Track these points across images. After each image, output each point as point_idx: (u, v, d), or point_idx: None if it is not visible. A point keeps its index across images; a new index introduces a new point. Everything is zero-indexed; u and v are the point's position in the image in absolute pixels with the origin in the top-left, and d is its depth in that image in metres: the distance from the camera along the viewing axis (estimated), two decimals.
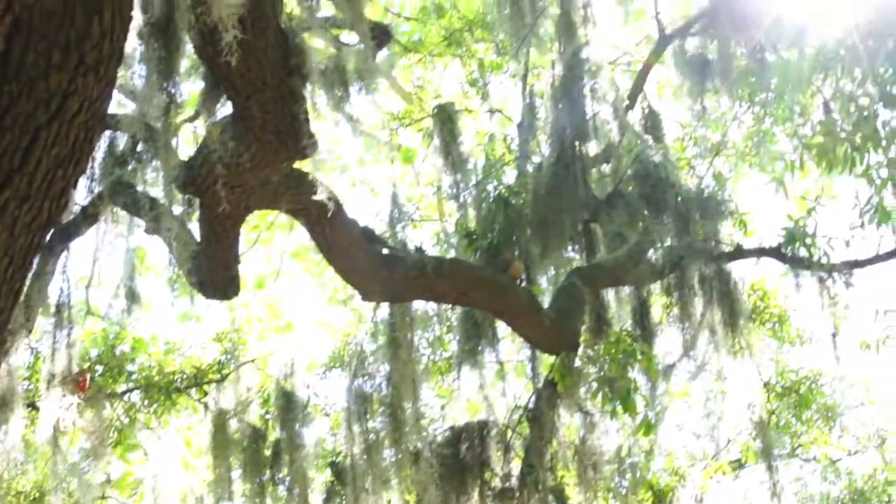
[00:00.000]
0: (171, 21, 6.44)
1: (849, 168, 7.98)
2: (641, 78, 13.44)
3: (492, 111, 16.78)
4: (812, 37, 9.34)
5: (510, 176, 13.67)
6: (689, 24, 13.15)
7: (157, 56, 6.86)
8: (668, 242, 11.78)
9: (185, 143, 10.35)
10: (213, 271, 9.54)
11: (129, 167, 9.98)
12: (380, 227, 11.77)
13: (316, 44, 9.39)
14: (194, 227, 9.64)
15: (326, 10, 9.70)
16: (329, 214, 9.34)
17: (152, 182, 9.64)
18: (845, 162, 7.91)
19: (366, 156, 18.99)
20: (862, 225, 8.95)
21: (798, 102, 10.26)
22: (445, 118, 12.55)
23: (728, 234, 12.14)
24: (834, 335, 11.85)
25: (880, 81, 7.61)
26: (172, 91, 7.14)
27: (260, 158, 8.13)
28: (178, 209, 9.67)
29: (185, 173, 8.43)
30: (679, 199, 11.70)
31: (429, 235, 15.80)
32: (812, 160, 8.49)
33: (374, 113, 14.14)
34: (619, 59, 16.06)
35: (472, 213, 12.59)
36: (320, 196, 9.07)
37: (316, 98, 8.85)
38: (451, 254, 13.06)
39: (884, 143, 7.75)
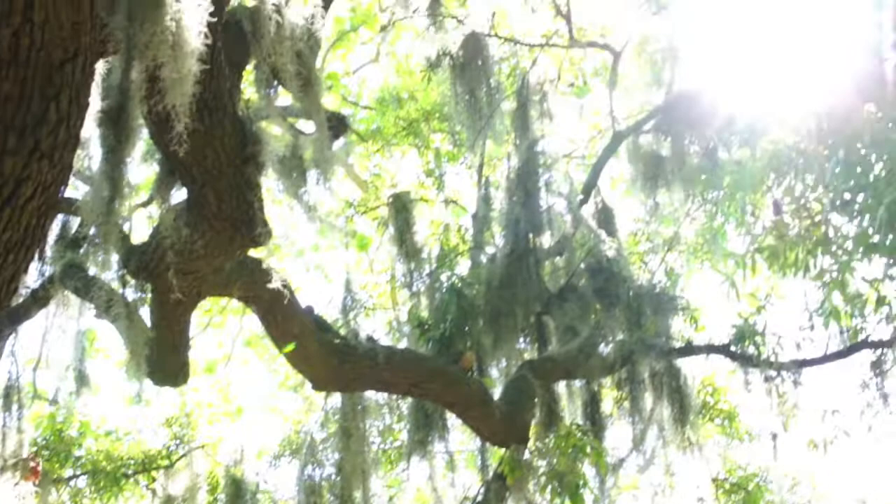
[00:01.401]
0: (124, 109, 6.47)
1: (802, 271, 8.08)
2: (595, 172, 13.56)
3: (447, 201, 16.84)
4: (764, 138, 9.49)
5: (464, 266, 13.70)
6: (643, 120, 13.32)
7: (111, 143, 6.88)
8: (620, 337, 11.83)
9: (140, 227, 10.36)
10: (163, 357, 9.48)
11: (81, 251, 9.95)
12: (333, 315, 11.77)
13: (273, 130, 9.45)
14: (145, 312, 9.60)
15: (284, 98, 9.76)
16: (281, 303, 9.33)
17: (104, 266, 9.60)
18: (797, 265, 8.01)
19: (321, 242, 19.01)
20: (811, 326, 9.05)
21: (750, 202, 10.38)
22: (401, 207, 12.62)
23: (679, 329, 12.20)
24: (774, 436, 11.92)
25: (833, 189, 7.74)
26: (126, 178, 7.15)
27: (213, 246, 8.12)
28: (130, 294, 9.63)
29: (137, 259, 8.41)
30: (631, 293, 11.77)
31: (382, 323, 15.78)
32: (764, 261, 8.60)
33: (330, 200, 14.20)
34: (573, 152, 16.21)
35: (425, 302, 12.60)
36: (273, 284, 9.04)
37: (273, 184, 8.89)
38: (404, 343, 13.03)
39: (834, 247, 7.87)
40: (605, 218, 13.09)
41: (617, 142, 13.42)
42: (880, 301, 8.37)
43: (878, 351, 11.18)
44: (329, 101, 16.27)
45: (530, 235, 12.13)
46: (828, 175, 7.62)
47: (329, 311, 11.96)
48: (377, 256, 17.65)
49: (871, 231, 7.56)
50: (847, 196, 7.79)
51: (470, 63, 12.43)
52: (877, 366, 11.19)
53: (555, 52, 15.22)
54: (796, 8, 8.77)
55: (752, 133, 10.39)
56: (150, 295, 9.17)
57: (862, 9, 7.70)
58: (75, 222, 10.20)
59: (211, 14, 6.16)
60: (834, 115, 8.09)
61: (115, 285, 9.30)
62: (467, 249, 13.99)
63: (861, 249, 7.73)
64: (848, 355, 11.44)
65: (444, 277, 12.94)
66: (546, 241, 12.61)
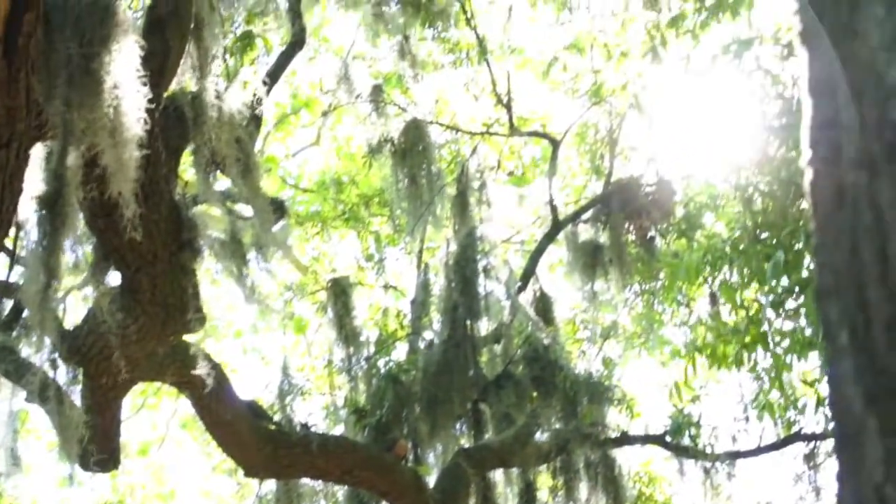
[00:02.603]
0: (59, 195, 6.44)
1: (737, 366, 8.14)
2: (534, 260, 13.61)
3: (386, 286, 16.85)
4: (700, 231, 9.59)
5: (402, 351, 13.69)
6: (582, 209, 13.43)
7: (47, 229, 6.84)
8: (556, 426, 11.82)
9: (74, 308, 10.23)
10: (94, 442, 9.35)
11: (14, 333, 9.82)
12: (269, 398, 11.70)
13: (213, 212, 9.43)
14: (77, 396, 9.48)
15: (224, 181, 9.75)
16: (214, 388, 9.26)
17: (36, 348, 9.49)
18: (735, 360, 8.07)
19: (259, 323, 18.90)
20: (746, 419, 9.10)
21: (686, 292, 10.47)
22: (339, 291, 12.62)
23: (615, 420, 12.21)
24: None
25: (769, 288, 7.82)
26: (59, 264, 7.09)
27: (147, 331, 8.07)
28: (61, 378, 9.51)
29: (70, 343, 8.33)
30: (567, 382, 11.77)
31: (319, 407, 15.68)
32: (705, 359, 8.67)
33: (269, 281, 14.15)
34: (512, 237, 16.28)
35: (362, 388, 12.56)
36: (206, 370, 8.99)
37: (211, 265, 8.85)
38: (340, 428, 12.97)
39: (771, 344, 7.93)
40: (544, 306, 13.13)
41: (556, 230, 13.50)
42: (819, 402, 8.43)
43: (812, 444, 11.25)
44: (269, 184, 16.28)
45: (468, 321, 12.13)
46: (767, 274, 7.69)
47: (265, 396, 11.91)
48: (315, 340, 17.58)
49: (807, 330, 7.64)
50: (782, 293, 7.87)
51: (411, 149, 12.50)
52: (810, 459, 11.25)
53: (495, 140, 15.34)
54: (735, 104, 8.92)
55: (689, 225, 10.52)
56: (81, 379, 9.07)
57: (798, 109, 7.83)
58: (7, 304, 10.08)
59: (149, 100, 6.16)
60: (769, 211, 8.20)
61: (47, 368, 9.17)
62: (405, 335, 13.98)
63: (797, 348, 7.80)
64: (782, 447, 11.51)
65: (381, 363, 12.91)
66: (484, 327, 12.61)
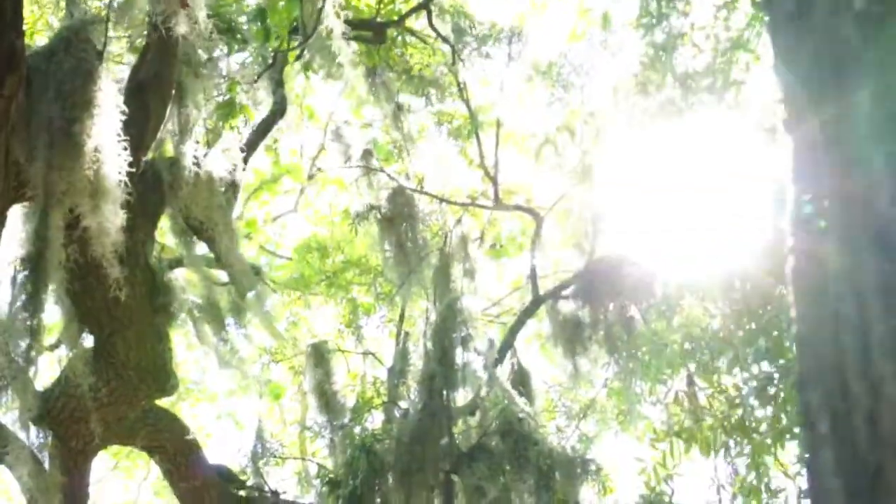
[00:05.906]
0: (41, 256, 6.39)
1: (715, 452, 8.08)
2: (513, 333, 13.58)
3: (365, 354, 16.77)
4: (679, 315, 9.56)
5: (378, 419, 13.59)
6: (563, 285, 13.40)
7: (29, 291, 6.79)
8: (528, 499, 11.70)
9: (47, 370, 10.14)
10: None
11: None
12: (243, 462, 11.61)
13: (191, 276, 9.38)
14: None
15: (202, 245, 9.70)
16: (185, 454, 9.17)
17: (6, 409, 9.39)
18: (715, 446, 8.01)
19: (234, 387, 18.78)
20: (719, 500, 9.01)
21: (664, 373, 10.42)
22: (319, 357, 12.56)
23: (587, 495, 12.08)
24: None
25: (750, 376, 7.77)
26: (41, 326, 7.04)
27: (119, 394, 8.01)
28: (31, 440, 9.39)
29: (39, 405, 8.24)
30: (541, 457, 11.68)
31: (291, 472, 15.54)
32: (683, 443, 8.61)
33: (246, 347, 14.11)
34: (492, 308, 16.24)
35: (337, 456, 12.47)
36: (177, 435, 8.91)
37: (188, 329, 8.79)
38: (311, 495, 12.85)
39: (752, 429, 7.88)
40: (521, 379, 13.07)
41: (536, 304, 13.48)
42: (800, 495, 8.35)
43: None
44: (248, 248, 16.24)
45: (444, 392, 12.06)
46: (748, 359, 7.65)
47: (239, 459, 11.81)
48: (290, 406, 17.48)
49: (784, 418, 7.58)
50: (763, 380, 7.82)
51: (397, 217, 12.52)
52: None
53: (480, 213, 15.34)
54: (718, 190, 8.94)
55: (669, 306, 10.49)
56: (50, 441, 8.96)
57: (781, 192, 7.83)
58: None
59: (129, 164, 6.14)
60: (751, 296, 8.16)
61: (17, 431, 9.06)
62: (381, 403, 13.89)
63: (776, 436, 7.74)
64: None
65: (357, 430, 12.82)
66: (460, 398, 12.54)
